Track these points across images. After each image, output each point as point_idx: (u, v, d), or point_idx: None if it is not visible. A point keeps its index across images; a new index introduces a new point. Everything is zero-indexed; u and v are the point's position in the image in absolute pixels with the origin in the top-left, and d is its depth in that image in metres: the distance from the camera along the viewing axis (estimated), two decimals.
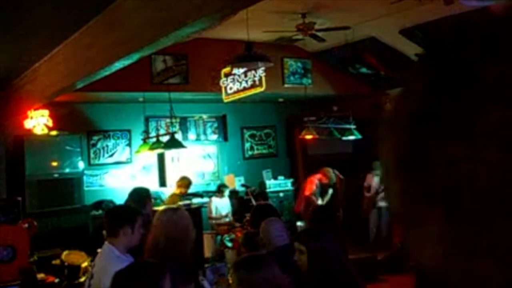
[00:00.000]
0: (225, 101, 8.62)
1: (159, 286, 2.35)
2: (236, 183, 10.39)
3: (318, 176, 9.17)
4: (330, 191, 9.15)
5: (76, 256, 6.47)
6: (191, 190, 8.72)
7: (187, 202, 8.59)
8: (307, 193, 9.30)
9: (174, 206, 6.58)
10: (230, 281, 3.95)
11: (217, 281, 4.54)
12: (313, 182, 9.18)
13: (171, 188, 9.53)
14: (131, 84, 7.99)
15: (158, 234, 3.38)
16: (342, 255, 3.25)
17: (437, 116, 0.42)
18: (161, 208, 4.66)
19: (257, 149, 11.34)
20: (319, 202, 8.90)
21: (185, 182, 8.29)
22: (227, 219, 8.69)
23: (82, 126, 9.25)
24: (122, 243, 3.23)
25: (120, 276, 2.42)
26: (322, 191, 9.20)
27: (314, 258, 3.09)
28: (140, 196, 5.15)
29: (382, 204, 9.75)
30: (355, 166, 9.89)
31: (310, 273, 3.12)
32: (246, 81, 8.30)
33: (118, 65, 4.65)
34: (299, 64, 9.57)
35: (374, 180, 9.79)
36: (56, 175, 8.47)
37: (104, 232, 6.45)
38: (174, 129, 8.76)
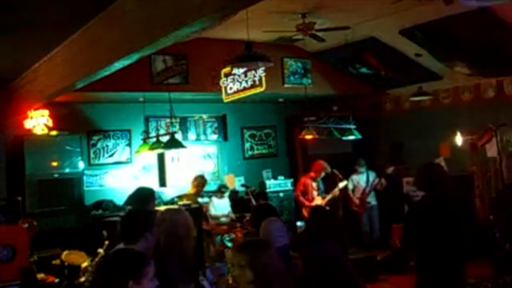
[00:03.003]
0: (225, 101, 8.62)
1: (141, 273, 2.33)
2: (236, 183, 10.39)
3: (310, 174, 9.16)
4: (341, 184, 9.02)
5: (76, 256, 6.47)
6: None
7: (206, 200, 8.63)
8: (295, 195, 9.35)
9: (175, 206, 6.59)
10: (230, 281, 3.95)
11: (217, 281, 4.54)
12: (300, 183, 9.21)
13: (170, 188, 9.56)
14: (131, 84, 7.99)
15: (160, 233, 3.38)
16: (340, 255, 3.24)
17: None
18: (162, 208, 4.67)
19: (257, 149, 11.34)
20: (318, 201, 8.88)
21: (201, 181, 8.33)
22: (227, 219, 8.70)
23: (82, 126, 9.24)
24: (139, 249, 3.19)
25: (103, 263, 2.41)
26: (329, 185, 9.15)
27: (308, 263, 3.08)
28: (143, 196, 5.15)
29: (372, 202, 9.74)
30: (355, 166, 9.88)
31: (307, 276, 3.12)
32: (246, 81, 8.30)
33: (118, 65, 4.64)
34: (299, 64, 9.57)
35: (360, 180, 9.76)
36: (56, 175, 8.46)
37: (104, 232, 6.48)
38: (174, 129, 8.76)
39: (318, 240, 3.24)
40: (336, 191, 8.95)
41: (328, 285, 3.03)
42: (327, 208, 8.57)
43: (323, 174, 9.06)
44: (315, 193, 9.02)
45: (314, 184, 9.06)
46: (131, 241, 3.19)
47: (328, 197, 8.94)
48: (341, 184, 9.02)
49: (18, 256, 5.70)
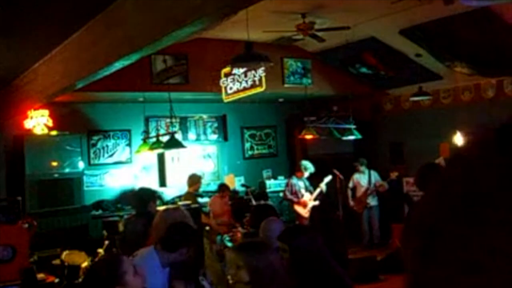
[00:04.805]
0: (225, 101, 8.62)
1: (121, 275, 2.43)
2: (236, 183, 10.39)
3: (296, 175, 9.29)
4: (327, 179, 9.07)
5: (76, 256, 6.48)
6: None
7: (203, 200, 8.63)
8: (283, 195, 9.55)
9: (175, 206, 6.59)
10: (230, 282, 3.95)
11: (217, 281, 4.53)
12: (287, 184, 9.37)
13: (170, 188, 9.55)
14: (131, 84, 7.99)
15: (160, 233, 3.38)
16: (326, 253, 3.21)
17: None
18: (161, 208, 4.67)
19: (257, 149, 11.34)
20: (306, 197, 8.98)
21: (195, 179, 8.31)
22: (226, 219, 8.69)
23: (82, 126, 9.25)
24: (172, 258, 3.22)
25: (84, 282, 2.52)
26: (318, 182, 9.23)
27: (296, 255, 3.06)
28: (142, 196, 5.15)
29: (373, 203, 9.74)
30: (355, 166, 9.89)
31: (292, 270, 3.09)
32: (246, 81, 8.30)
33: (118, 65, 4.64)
34: (299, 64, 9.57)
35: (361, 179, 9.76)
36: (56, 175, 8.47)
37: (104, 232, 6.46)
38: (174, 129, 8.74)
39: (304, 232, 3.22)
40: (322, 185, 9.02)
41: (311, 281, 3.00)
42: (317, 202, 8.78)
43: (307, 173, 9.19)
44: (303, 190, 9.17)
45: (301, 183, 9.21)
46: (168, 250, 3.23)
47: (316, 192, 9.05)
48: (326, 179, 9.05)
49: (18, 256, 5.70)
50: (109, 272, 2.46)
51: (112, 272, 2.45)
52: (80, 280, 6.12)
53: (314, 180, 9.32)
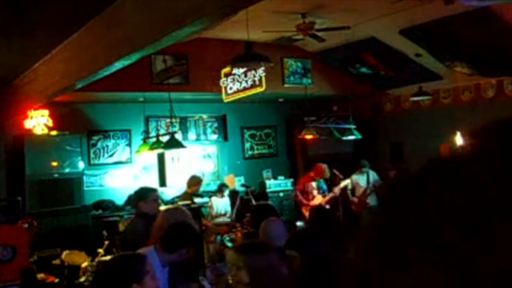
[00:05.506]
0: (225, 101, 8.62)
1: (143, 274, 2.40)
2: (236, 183, 10.39)
3: (309, 175, 9.18)
4: (343, 183, 9.02)
5: (76, 256, 6.48)
6: None
7: (203, 200, 8.62)
8: (294, 194, 9.41)
9: (176, 206, 6.59)
10: (230, 281, 3.95)
11: (216, 281, 4.54)
12: (300, 182, 9.26)
13: (170, 188, 9.55)
14: (131, 84, 8.00)
15: (161, 233, 3.38)
16: (336, 255, 3.21)
17: None
18: (161, 208, 4.68)
19: (257, 149, 11.34)
20: (318, 200, 8.90)
21: (194, 181, 8.32)
22: (227, 219, 8.69)
23: (82, 126, 9.25)
24: (171, 259, 3.22)
25: (104, 271, 2.50)
26: (331, 185, 9.17)
27: (308, 261, 3.06)
28: (140, 195, 5.15)
29: (371, 203, 9.74)
30: (355, 166, 9.88)
31: (304, 276, 3.10)
32: (246, 81, 8.30)
33: (118, 65, 4.64)
34: (299, 64, 9.57)
35: (360, 179, 9.76)
36: (56, 175, 8.47)
37: (104, 232, 6.46)
38: (174, 129, 8.75)
39: (313, 237, 3.22)
40: (336, 190, 8.95)
41: (324, 285, 3.01)
42: (327, 206, 8.64)
43: (321, 175, 9.11)
44: (315, 192, 9.02)
45: (314, 184, 9.07)
46: (168, 250, 3.23)
47: (329, 196, 8.94)
48: (343, 183, 9.02)
49: (18, 256, 5.70)
50: (132, 267, 2.43)
51: (135, 268, 2.43)
52: (80, 280, 6.13)
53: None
